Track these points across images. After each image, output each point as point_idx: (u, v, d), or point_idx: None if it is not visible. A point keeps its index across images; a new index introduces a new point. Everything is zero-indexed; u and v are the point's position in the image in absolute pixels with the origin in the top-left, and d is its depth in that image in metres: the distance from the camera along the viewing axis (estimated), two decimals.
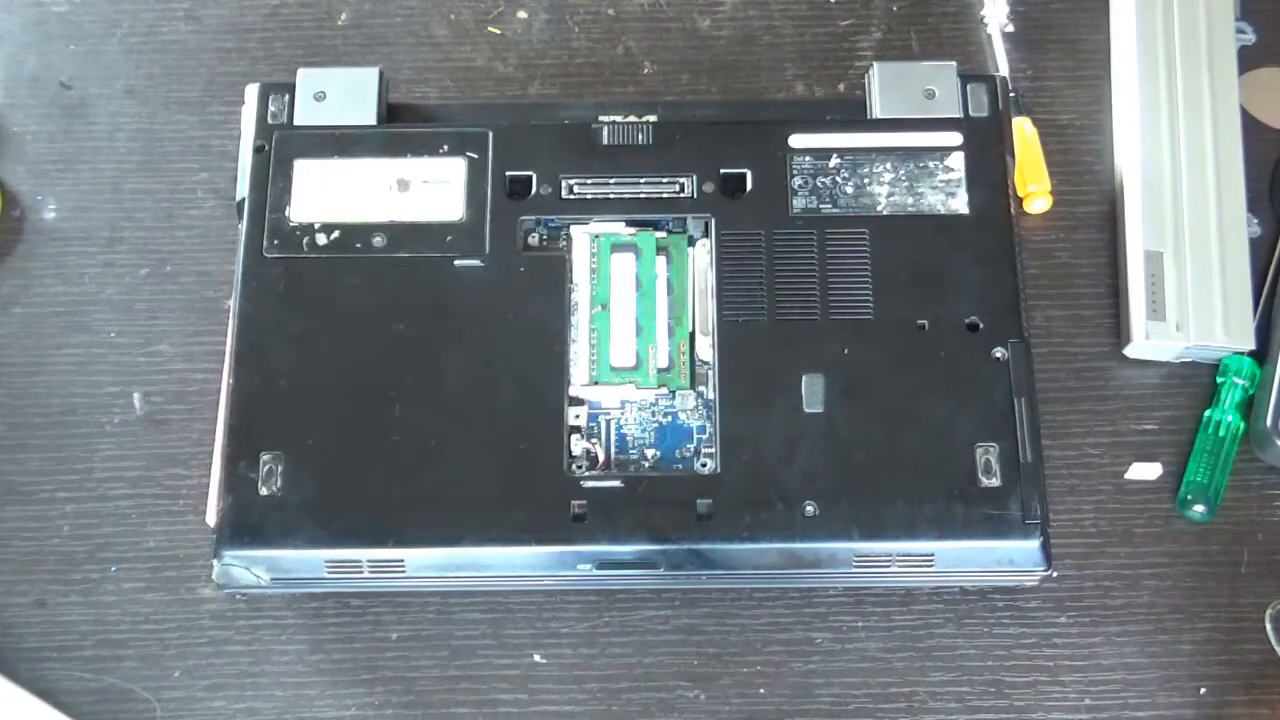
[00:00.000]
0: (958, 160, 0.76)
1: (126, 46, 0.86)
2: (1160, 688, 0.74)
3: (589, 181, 0.76)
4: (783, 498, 0.70)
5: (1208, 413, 0.78)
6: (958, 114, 0.77)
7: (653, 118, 0.78)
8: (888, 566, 0.71)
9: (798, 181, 0.76)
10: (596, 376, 0.74)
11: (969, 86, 0.78)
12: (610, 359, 0.74)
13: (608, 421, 0.74)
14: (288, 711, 0.73)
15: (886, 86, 0.78)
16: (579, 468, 0.72)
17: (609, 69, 0.86)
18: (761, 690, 0.73)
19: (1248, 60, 0.84)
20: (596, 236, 0.76)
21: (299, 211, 0.75)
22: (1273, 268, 0.81)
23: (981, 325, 0.73)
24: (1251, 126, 0.82)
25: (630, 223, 0.76)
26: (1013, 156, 0.78)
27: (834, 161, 0.76)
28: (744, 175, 0.76)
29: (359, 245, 0.75)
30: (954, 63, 0.78)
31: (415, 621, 0.74)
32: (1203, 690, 0.74)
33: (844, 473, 0.70)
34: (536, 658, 0.74)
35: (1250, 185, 0.81)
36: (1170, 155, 0.81)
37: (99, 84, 0.85)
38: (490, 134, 0.77)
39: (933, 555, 0.70)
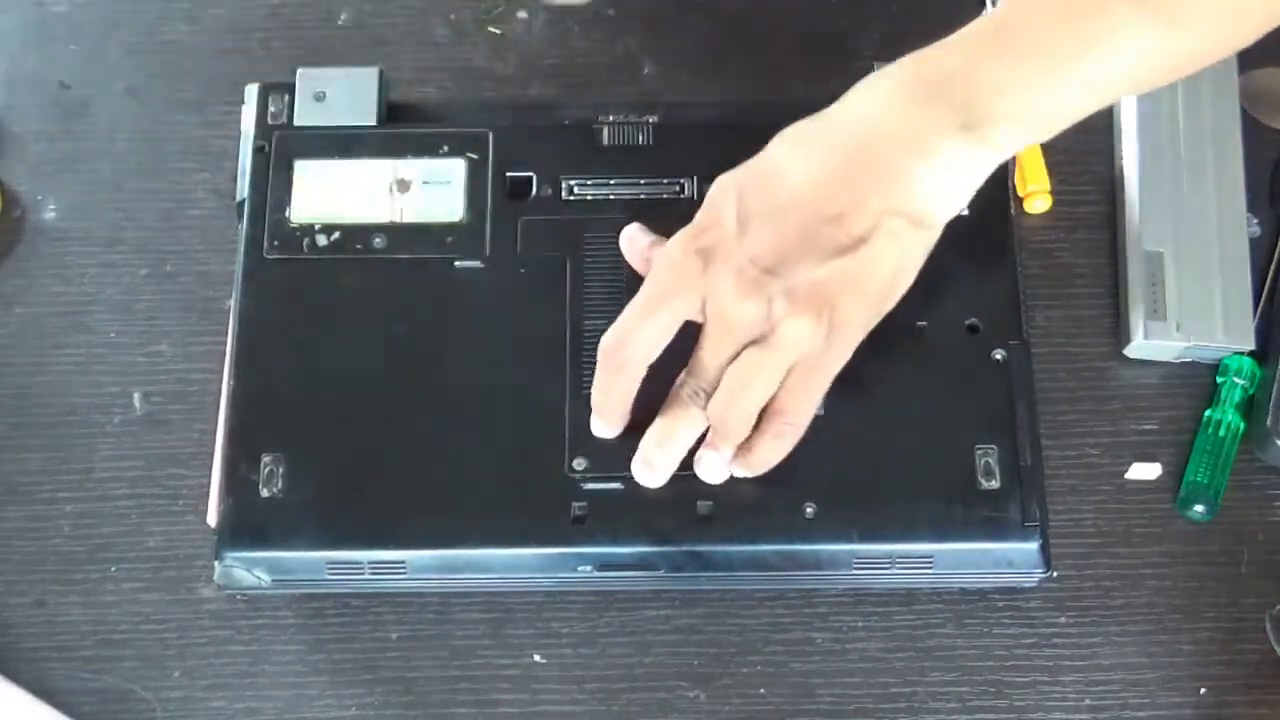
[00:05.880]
0: None
1: (126, 46, 0.86)
2: (1160, 688, 0.74)
3: (589, 182, 0.76)
4: (782, 499, 0.70)
5: (1208, 413, 0.78)
6: None
7: (653, 118, 0.78)
8: (887, 568, 0.71)
9: None
10: None
11: None
12: None
13: None
14: (288, 711, 0.73)
15: None
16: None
17: (609, 69, 0.86)
18: (761, 690, 0.73)
19: (1248, 60, 0.84)
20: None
21: (299, 212, 0.75)
22: (1273, 268, 0.81)
23: (981, 326, 0.73)
24: (1251, 126, 0.82)
25: None
26: (1013, 156, 0.77)
27: None
28: None
29: (359, 246, 0.75)
30: None
31: (415, 622, 0.74)
32: (1203, 690, 0.74)
33: (844, 474, 0.70)
34: (536, 658, 0.74)
35: (1250, 185, 0.81)
36: (1170, 155, 0.81)
37: (99, 84, 0.85)
38: (490, 134, 0.77)
39: (932, 557, 0.70)
